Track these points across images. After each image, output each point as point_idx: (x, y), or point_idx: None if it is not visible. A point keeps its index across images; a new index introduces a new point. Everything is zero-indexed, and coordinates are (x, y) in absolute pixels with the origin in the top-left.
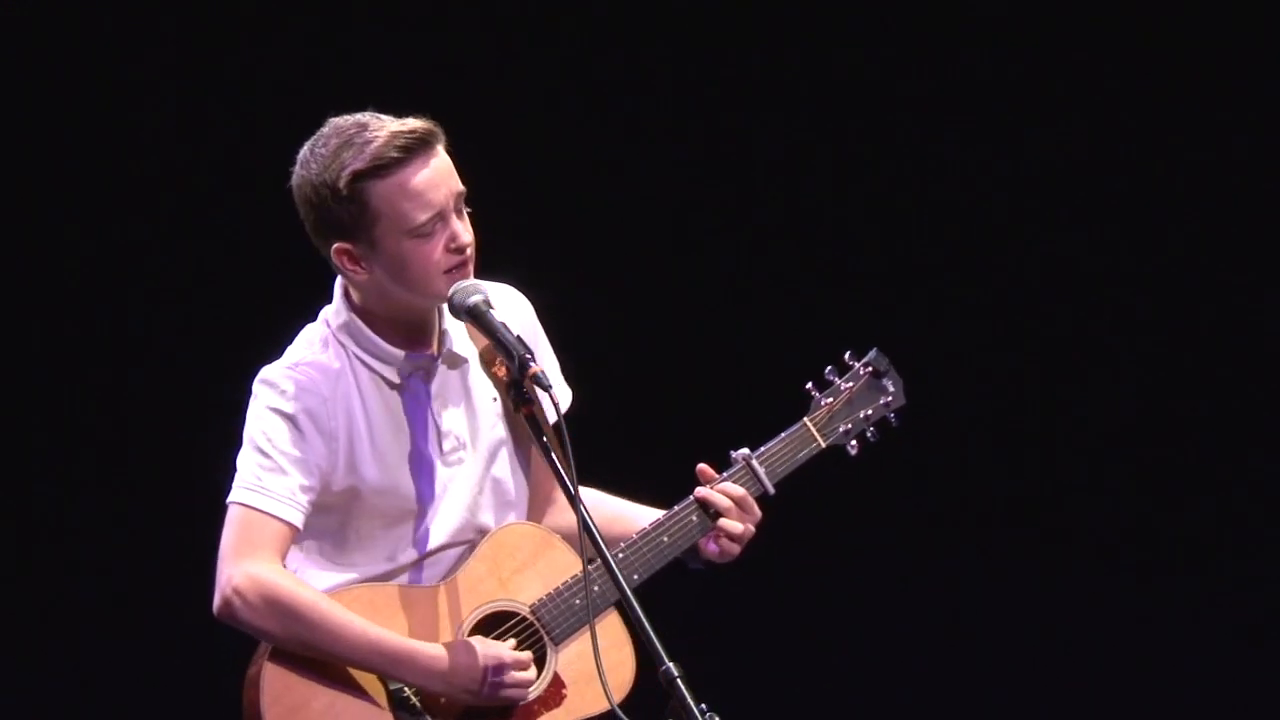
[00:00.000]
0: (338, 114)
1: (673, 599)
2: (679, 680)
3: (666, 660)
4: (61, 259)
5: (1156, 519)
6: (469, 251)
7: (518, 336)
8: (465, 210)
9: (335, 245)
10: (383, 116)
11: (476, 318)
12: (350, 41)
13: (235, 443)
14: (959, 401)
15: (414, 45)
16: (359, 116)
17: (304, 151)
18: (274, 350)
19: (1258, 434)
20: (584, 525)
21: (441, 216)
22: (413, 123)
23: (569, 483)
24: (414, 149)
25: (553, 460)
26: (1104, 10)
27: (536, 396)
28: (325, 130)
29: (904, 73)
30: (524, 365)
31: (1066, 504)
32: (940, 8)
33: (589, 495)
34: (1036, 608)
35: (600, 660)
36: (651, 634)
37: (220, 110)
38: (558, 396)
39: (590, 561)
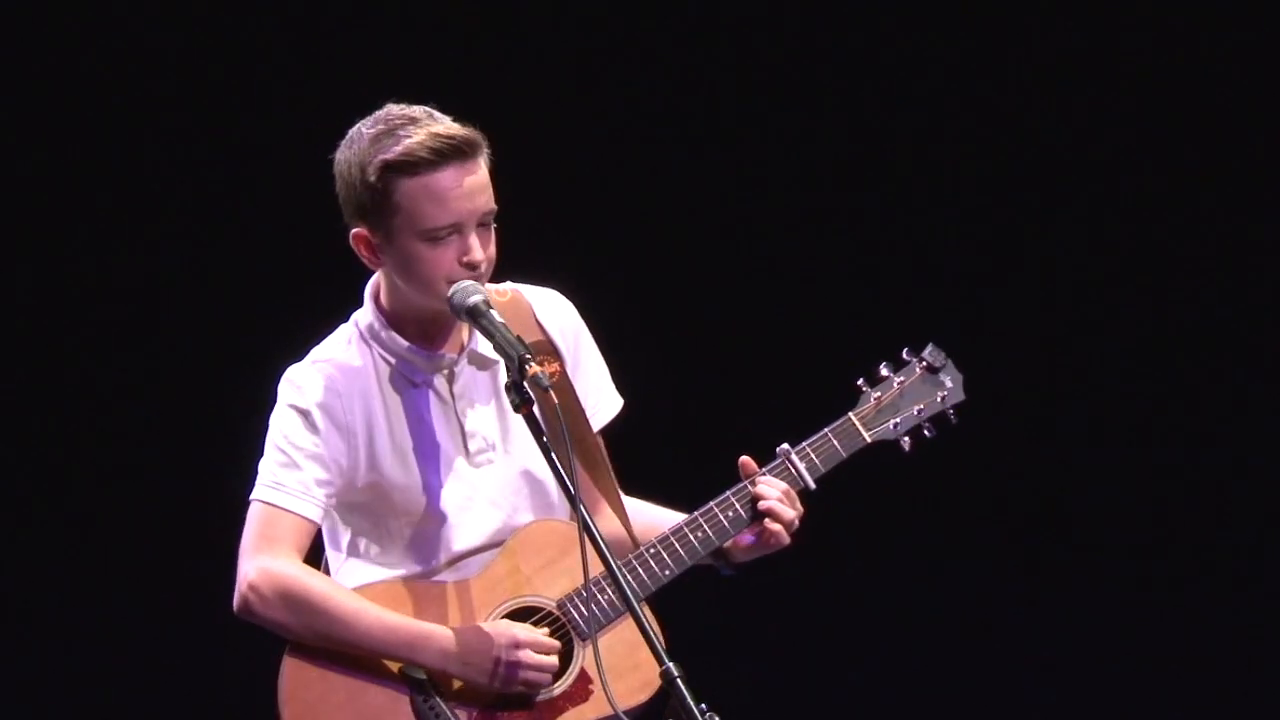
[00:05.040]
0: (399, 102)
1: (673, 599)
2: (679, 680)
3: (666, 660)
4: (86, 260)
5: (1174, 519)
6: (481, 268)
7: (518, 337)
8: (492, 227)
9: (355, 230)
10: (437, 115)
11: (475, 318)
12: (386, 38)
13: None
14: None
15: (438, 46)
16: (413, 109)
17: (353, 129)
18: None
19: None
20: (584, 526)
21: (458, 227)
22: (456, 129)
23: (569, 483)
24: (447, 155)
25: (552, 460)
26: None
27: (534, 397)
28: (379, 113)
29: (943, 65)
30: (523, 365)
31: (1082, 504)
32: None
33: (631, 504)
34: (1043, 608)
35: (601, 661)
36: (651, 634)
37: (247, 106)
38: (600, 405)
39: (607, 561)
